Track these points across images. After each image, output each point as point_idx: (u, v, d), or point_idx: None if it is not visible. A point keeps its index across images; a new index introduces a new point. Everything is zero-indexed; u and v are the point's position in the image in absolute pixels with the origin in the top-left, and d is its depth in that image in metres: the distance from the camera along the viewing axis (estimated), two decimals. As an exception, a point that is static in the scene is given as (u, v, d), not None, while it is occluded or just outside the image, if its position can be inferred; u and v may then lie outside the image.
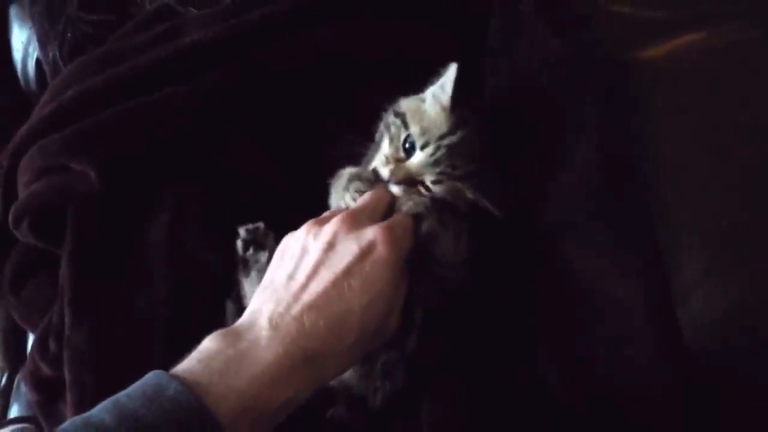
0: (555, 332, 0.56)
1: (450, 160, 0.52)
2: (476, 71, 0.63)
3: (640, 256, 0.54)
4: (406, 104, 0.56)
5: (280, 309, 0.41)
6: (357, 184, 0.54)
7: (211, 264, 0.61)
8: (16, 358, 0.85)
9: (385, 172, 0.53)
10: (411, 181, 0.52)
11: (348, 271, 0.42)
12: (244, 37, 0.63)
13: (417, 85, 0.57)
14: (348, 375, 0.54)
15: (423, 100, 0.56)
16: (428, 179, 0.52)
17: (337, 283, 0.42)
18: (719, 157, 0.56)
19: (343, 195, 0.54)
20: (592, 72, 0.59)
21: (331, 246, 0.44)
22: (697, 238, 0.54)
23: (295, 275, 0.43)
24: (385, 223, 0.45)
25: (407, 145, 0.53)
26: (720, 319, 0.53)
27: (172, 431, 0.35)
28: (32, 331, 0.77)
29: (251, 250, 0.56)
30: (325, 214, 0.50)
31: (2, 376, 0.87)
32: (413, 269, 0.50)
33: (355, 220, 0.46)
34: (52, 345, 0.64)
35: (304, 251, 0.45)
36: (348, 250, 0.43)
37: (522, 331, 0.57)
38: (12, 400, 0.82)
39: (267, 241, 0.57)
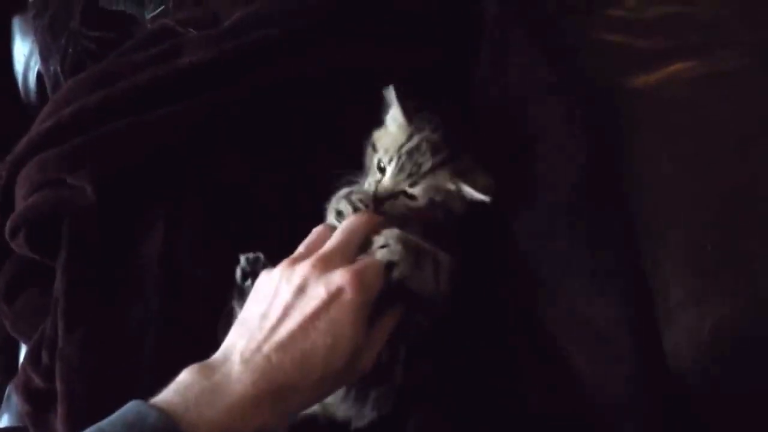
0: (537, 353, 0.57)
1: (412, 161, 0.56)
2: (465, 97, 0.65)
3: (621, 278, 0.55)
4: (375, 134, 0.60)
5: (252, 346, 0.45)
6: (343, 205, 0.56)
7: (203, 279, 0.62)
8: (8, 369, 0.85)
9: (370, 196, 0.56)
10: (392, 196, 0.56)
11: (315, 315, 0.45)
12: (240, 60, 0.64)
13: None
14: (341, 411, 0.55)
15: (386, 126, 0.60)
16: (404, 186, 0.56)
17: (304, 325, 0.45)
18: (704, 183, 0.57)
19: (328, 215, 0.57)
20: (581, 100, 0.60)
21: (300, 290, 0.47)
22: (682, 262, 0.55)
23: (268, 314, 0.46)
24: (354, 268, 0.47)
25: (381, 166, 0.57)
26: (703, 343, 0.53)
27: None
28: (24, 342, 0.78)
29: (249, 281, 0.56)
30: (300, 249, 0.52)
31: (-7, 387, 0.87)
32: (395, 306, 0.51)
33: (326, 262, 0.48)
34: (45, 356, 0.65)
35: (276, 293, 0.47)
36: (316, 294, 0.46)
37: (504, 351, 0.58)
38: (3, 410, 0.82)
39: None
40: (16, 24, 0.99)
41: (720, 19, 0.63)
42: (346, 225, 0.53)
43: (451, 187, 0.56)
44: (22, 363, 0.69)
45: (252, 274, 0.56)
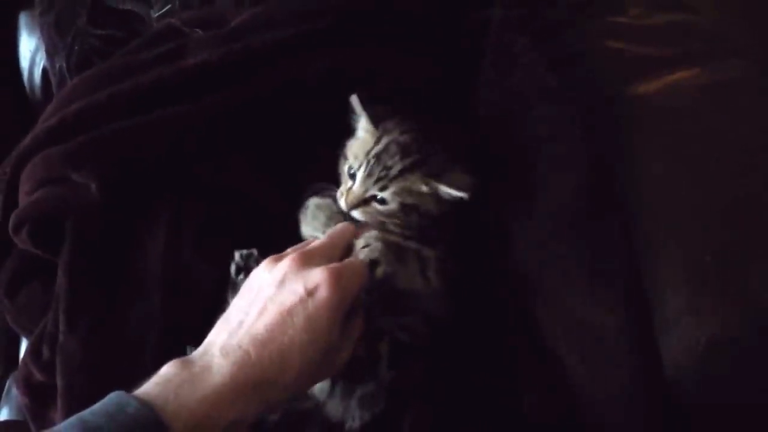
0: (536, 353, 0.57)
1: (380, 165, 0.55)
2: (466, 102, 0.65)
3: (619, 282, 0.55)
4: (348, 144, 0.60)
5: (232, 341, 0.45)
6: (325, 217, 0.57)
7: (204, 279, 0.62)
8: (8, 362, 0.86)
9: (341, 204, 0.57)
10: (362, 202, 0.56)
11: (292, 310, 0.46)
12: (245, 62, 0.65)
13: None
14: (331, 409, 0.55)
15: (357, 134, 0.60)
16: (374, 190, 0.55)
17: (281, 320, 0.46)
18: (705, 193, 0.57)
19: (312, 224, 0.57)
20: (583, 106, 0.60)
21: (281, 284, 0.48)
22: (680, 271, 0.54)
23: (249, 310, 0.47)
24: (333, 266, 0.48)
25: (351, 173, 0.57)
26: (700, 352, 0.53)
27: None
28: (25, 336, 0.78)
29: (242, 276, 0.57)
30: (287, 250, 0.53)
31: (-6, 380, 0.88)
32: (374, 305, 0.52)
33: (307, 259, 0.49)
34: (46, 351, 0.65)
35: (259, 287, 0.49)
36: (294, 289, 0.47)
37: (503, 351, 0.58)
38: (2, 403, 0.83)
39: None
40: (23, 20, 1.00)
41: (724, 27, 0.63)
42: (332, 231, 0.54)
43: (424, 188, 0.55)
44: (23, 357, 0.69)
45: (245, 269, 0.57)
